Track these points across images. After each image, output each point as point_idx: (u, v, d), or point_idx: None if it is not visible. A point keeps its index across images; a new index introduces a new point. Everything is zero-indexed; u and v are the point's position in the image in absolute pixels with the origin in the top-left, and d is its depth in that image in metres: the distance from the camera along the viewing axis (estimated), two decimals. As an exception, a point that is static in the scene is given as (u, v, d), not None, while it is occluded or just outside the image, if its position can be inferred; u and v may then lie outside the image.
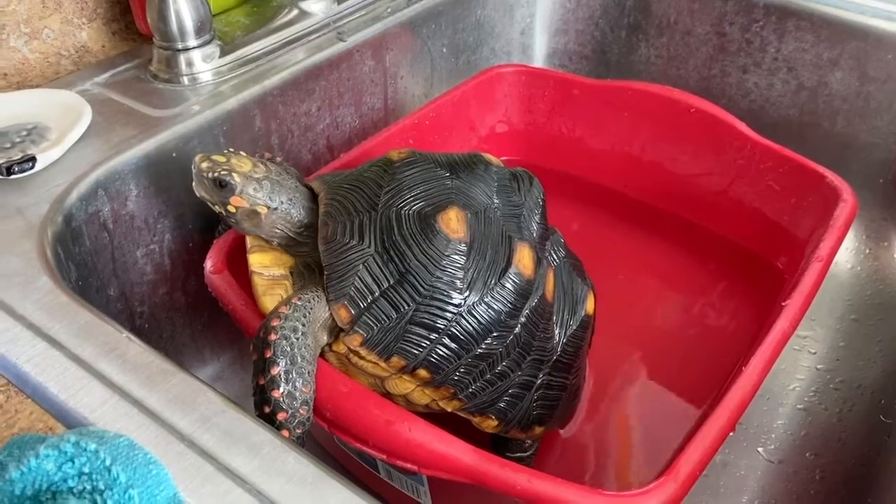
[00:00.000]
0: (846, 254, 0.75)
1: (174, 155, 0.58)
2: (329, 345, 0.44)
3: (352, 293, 0.42)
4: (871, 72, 0.70)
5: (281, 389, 0.39)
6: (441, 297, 0.42)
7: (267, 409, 0.39)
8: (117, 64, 0.65)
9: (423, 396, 0.45)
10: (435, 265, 0.42)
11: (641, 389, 0.59)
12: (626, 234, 0.72)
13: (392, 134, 0.64)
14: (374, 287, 0.42)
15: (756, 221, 0.66)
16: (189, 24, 0.61)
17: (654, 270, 0.69)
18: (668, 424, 0.56)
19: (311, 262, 0.47)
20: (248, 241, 0.47)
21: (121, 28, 0.68)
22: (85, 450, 0.28)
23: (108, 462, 0.28)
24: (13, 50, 0.62)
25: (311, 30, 0.69)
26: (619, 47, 0.85)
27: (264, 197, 0.44)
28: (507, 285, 0.44)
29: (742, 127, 0.64)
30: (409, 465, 0.40)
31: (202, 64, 0.63)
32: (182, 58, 0.62)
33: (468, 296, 0.42)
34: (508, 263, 0.44)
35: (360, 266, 0.42)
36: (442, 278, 0.42)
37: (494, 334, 0.43)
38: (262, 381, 0.39)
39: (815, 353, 0.67)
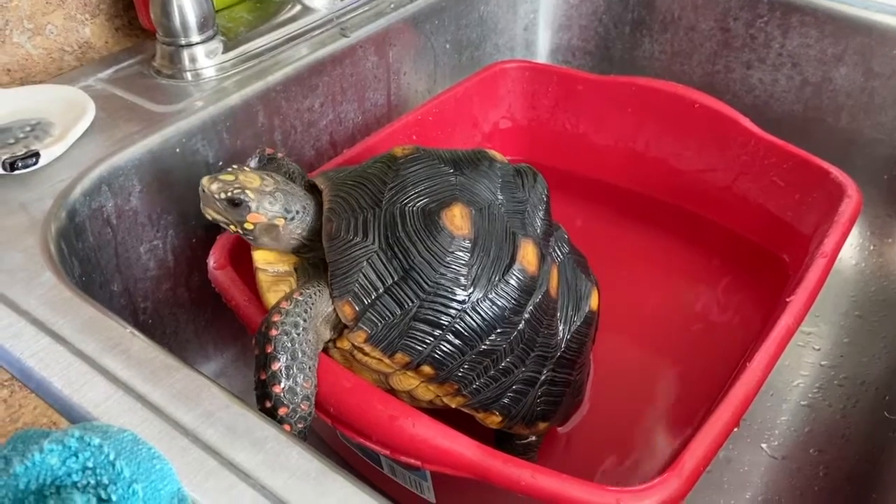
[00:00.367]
0: (850, 250, 0.75)
1: (177, 151, 0.58)
2: (333, 341, 0.44)
3: (356, 290, 0.42)
4: (875, 67, 0.70)
5: (282, 385, 0.39)
6: (445, 293, 0.42)
7: (268, 404, 0.39)
8: (120, 60, 0.65)
9: (427, 392, 0.45)
10: (439, 262, 0.42)
11: (645, 385, 0.59)
12: (629, 230, 0.72)
13: (395, 130, 0.64)
14: (379, 284, 0.42)
15: (760, 217, 0.65)
16: (192, 20, 0.61)
17: (658, 266, 0.69)
18: (671, 420, 0.56)
19: (315, 258, 0.46)
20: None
21: (124, 24, 0.68)
22: (89, 444, 0.28)
23: (112, 457, 0.28)
24: (16, 46, 0.62)
25: (315, 25, 0.69)
26: (623, 43, 0.85)
27: (280, 209, 0.44)
28: (511, 282, 0.44)
29: (746, 122, 0.64)
30: (412, 461, 0.40)
31: (205, 60, 0.63)
32: (185, 53, 0.62)
33: (472, 292, 0.42)
34: (512, 260, 0.44)
35: (365, 263, 0.42)
36: (446, 275, 0.42)
37: (498, 330, 0.43)
38: (263, 377, 0.39)
39: (819, 350, 0.67)
